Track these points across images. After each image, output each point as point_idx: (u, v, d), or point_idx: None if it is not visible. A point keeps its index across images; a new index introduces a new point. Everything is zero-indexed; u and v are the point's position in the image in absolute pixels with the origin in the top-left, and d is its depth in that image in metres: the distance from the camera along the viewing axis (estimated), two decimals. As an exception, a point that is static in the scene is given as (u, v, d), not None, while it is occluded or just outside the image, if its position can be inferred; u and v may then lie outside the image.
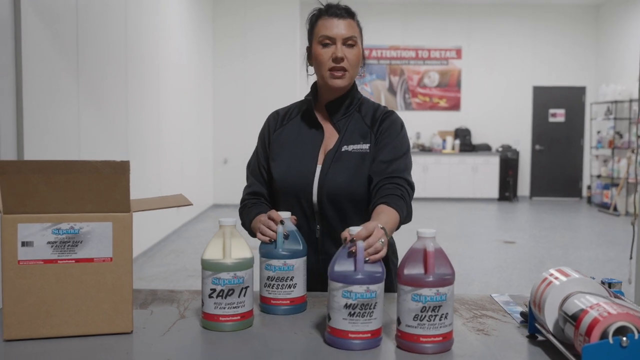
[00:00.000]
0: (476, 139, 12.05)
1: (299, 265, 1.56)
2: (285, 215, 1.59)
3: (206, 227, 8.51)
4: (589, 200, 11.53)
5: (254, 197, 1.87)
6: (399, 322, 1.32)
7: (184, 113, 8.48)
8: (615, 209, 10.31)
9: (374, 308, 1.30)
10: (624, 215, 10.00)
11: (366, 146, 1.79)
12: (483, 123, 12.07)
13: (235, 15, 10.42)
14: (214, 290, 1.42)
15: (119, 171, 1.36)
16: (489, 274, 6.02)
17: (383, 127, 1.81)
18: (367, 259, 1.31)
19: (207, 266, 1.43)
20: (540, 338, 1.38)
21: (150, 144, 6.77)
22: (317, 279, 1.73)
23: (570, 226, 9.26)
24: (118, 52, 5.70)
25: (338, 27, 1.75)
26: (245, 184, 1.94)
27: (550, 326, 1.29)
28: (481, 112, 12.08)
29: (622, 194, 10.24)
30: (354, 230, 1.35)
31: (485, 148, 11.83)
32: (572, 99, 12.11)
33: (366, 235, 1.34)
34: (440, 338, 1.29)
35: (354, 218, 1.76)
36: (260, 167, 1.88)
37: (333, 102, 1.83)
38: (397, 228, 1.70)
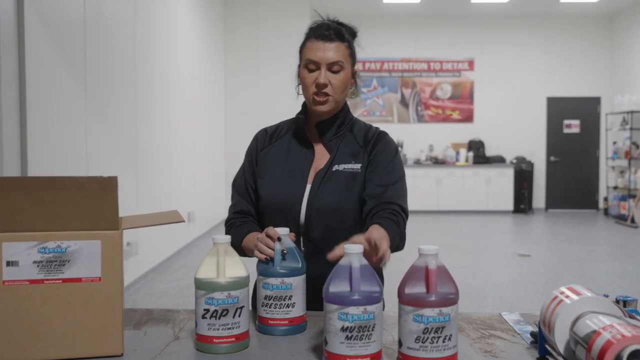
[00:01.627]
0: (490, 151, 11.94)
1: (297, 284, 1.49)
2: (284, 231, 1.53)
3: (218, 241, 8.44)
4: (606, 212, 11.36)
5: (241, 216, 1.82)
6: (400, 344, 1.25)
7: (196, 126, 8.46)
8: (632, 220, 10.15)
9: (372, 330, 1.24)
10: (641, 227, 9.83)
11: (357, 166, 1.75)
12: (497, 135, 11.96)
13: (247, 27, 10.42)
14: (207, 310, 1.36)
15: (106, 187, 1.31)
16: (503, 288, 5.91)
17: (378, 149, 1.77)
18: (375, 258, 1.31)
19: (200, 285, 1.37)
20: (550, 360, 1.30)
21: (160, 159, 6.75)
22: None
23: (587, 239, 9.11)
24: (127, 64, 5.69)
25: (324, 52, 1.69)
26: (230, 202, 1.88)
27: (561, 348, 1.21)
28: (495, 124, 11.97)
29: (640, 206, 10.08)
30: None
31: (499, 160, 11.71)
32: (587, 109, 11.97)
33: (367, 239, 1.34)
34: (444, 361, 1.22)
35: (340, 239, 1.70)
36: (247, 185, 1.83)
37: (324, 122, 1.79)
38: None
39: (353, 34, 1.79)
